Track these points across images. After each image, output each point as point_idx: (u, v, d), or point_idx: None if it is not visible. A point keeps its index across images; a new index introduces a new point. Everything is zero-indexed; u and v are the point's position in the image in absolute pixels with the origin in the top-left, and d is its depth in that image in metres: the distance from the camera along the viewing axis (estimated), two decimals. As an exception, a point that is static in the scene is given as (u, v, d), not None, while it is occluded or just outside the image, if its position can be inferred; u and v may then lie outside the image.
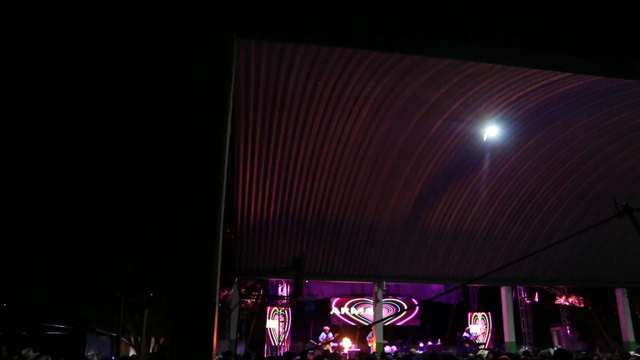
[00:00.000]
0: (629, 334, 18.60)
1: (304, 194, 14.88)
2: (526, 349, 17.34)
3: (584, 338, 23.52)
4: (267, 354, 18.95)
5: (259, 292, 22.22)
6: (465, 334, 20.87)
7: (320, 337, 18.99)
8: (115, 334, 16.52)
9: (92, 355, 13.79)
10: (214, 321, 5.00)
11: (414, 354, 13.73)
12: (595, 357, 10.55)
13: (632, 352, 11.71)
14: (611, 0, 5.85)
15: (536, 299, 23.83)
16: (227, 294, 18.30)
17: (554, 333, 24.26)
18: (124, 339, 17.76)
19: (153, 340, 18.21)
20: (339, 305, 23.42)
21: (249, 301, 21.83)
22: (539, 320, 24.07)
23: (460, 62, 10.26)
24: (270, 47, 9.74)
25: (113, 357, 18.98)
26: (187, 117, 5.52)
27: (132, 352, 17.39)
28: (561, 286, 21.87)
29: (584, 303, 21.88)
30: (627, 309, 18.94)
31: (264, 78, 10.93)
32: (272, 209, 15.12)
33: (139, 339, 15.99)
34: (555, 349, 12.21)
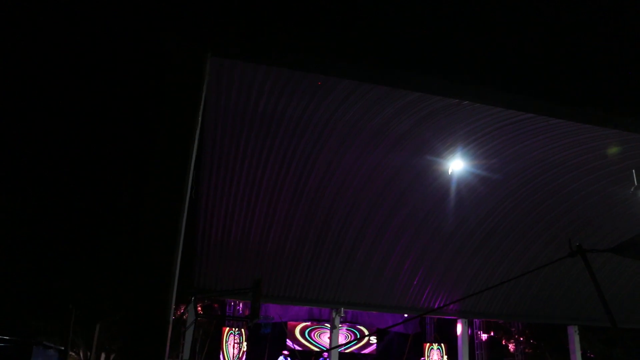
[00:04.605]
0: (579, 372, 18.96)
1: (266, 217, 14.78)
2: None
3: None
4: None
5: (216, 312, 21.88)
6: (420, 365, 20.92)
7: (279, 360, 18.79)
8: (63, 348, 15.97)
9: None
10: (167, 339, 4.90)
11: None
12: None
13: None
14: (577, 50, 6.08)
15: (492, 334, 24.11)
16: (183, 312, 17.96)
17: (507, 367, 24.52)
18: (72, 354, 17.20)
19: (103, 356, 17.70)
20: (295, 330, 23.22)
21: (205, 320, 21.45)
22: (493, 354, 24.31)
23: (429, 96, 10.44)
24: (243, 67, 9.76)
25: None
26: (154, 132, 5.46)
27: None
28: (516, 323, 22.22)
29: (536, 340, 22.23)
30: (578, 346, 19.34)
31: (234, 97, 10.92)
32: (233, 229, 14.97)
33: (89, 354, 15.52)
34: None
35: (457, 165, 13.14)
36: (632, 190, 9.39)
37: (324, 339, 22.67)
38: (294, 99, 11.02)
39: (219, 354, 19.57)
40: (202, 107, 5.82)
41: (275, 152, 12.94)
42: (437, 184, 14.26)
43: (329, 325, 19.08)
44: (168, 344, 4.91)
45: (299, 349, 22.68)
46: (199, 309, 20.17)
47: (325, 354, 19.11)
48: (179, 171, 5.38)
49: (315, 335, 23.20)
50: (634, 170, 9.53)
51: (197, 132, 5.70)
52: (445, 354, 22.79)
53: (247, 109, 11.33)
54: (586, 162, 13.25)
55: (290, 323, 23.26)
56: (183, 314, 17.82)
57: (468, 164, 13.16)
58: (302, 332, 23.22)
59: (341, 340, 19.69)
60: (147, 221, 5.21)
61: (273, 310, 22.17)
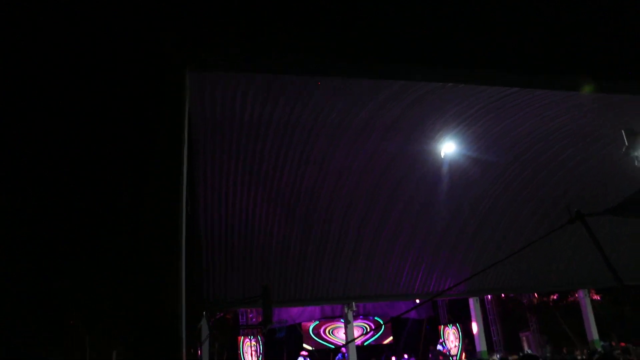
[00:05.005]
0: (593, 333, 19.14)
1: (266, 222, 14.85)
2: (499, 356, 17.61)
3: (551, 341, 24.01)
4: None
5: (228, 323, 21.93)
6: (439, 347, 21.04)
7: (298, 362, 18.87)
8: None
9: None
10: (182, 356, 4.92)
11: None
12: (559, 357, 10.81)
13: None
14: (557, 21, 6.16)
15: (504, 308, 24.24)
16: (197, 327, 17.99)
17: (523, 338, 24.67)
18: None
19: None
20: (310, 330, 23.30)
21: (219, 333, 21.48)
22: (507, 328, 24.48)
23: (413, 83, 10.50)
24: (224, 78, 9.81)
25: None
26: (143, 146, 5.50)
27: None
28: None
29: (548, 307, 22.41)
30: (590, 309, 19.51)
31: (219, 108, 10.96)
32: (236, 239, 15.02)
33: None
34: (522, 354, 12.45)
35: (448, 148, 13.22)
36: (623, 150, 9.47)
37: (340, 335, 22.75)
38: (279, 103, 11.08)
39: (238, 364, 19.67)
40: (186, 120, 5.86)
41: (267, 157, 13.00)
42: (431, 170, 14.35)
43: (342, 321, 19.18)
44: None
45: (318, 346, 22.77)
46: (212, 322, 20.22)
47: (344, 349, 19.19)
48: (172, 185, 5.41)
49: (330, 332, 23.29)
50: (623, 131, 9.63)
51: (185, 146, 5.74)
52: (462, 334, 22.95)
53: (234, 118, 11.38)
54: (576, 129, 13.37)
55: (304, 324, 23.34)
56: (196, 328, 17.84)
57: (459, 146, 13.25)
58: (317, 331, 23.30)
59: (357, 334, 19.77)
60: (146, 241, 5.24)
61: (286, 314, 22.26)
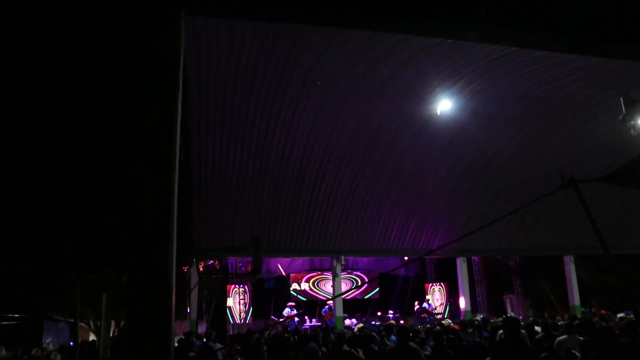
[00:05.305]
0: (575, 298, 19.53)
1: (259, 172, 14.81)
2: (481, 316, 17.93)
3: (534, 304, 24.46)
4: (229, 332, 19.00)
5: (218, 271, 22.16)
6: (424, 304, 21.41)
7: (285, 312, 19.15)
8: (72, 320, 16.20)
9: (49, 343, 13.55)
10: (172, 302, 4.95)
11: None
12: (540, 321, 11.00)
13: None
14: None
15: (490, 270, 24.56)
16: (186, 273, 18.19)
17: (507, 301, 25.14)
18: (83, 324, 17.48)
19: (113, 323, 17.98)
20: (299, 281, 23.60)
21: (209, 280, 21.75)
22: (492, 290, 24.89)
23: (410, 37, 10.26)
24: (219, 24, 9.56)
25: (72, 343, 18.68)
26: (138, 97, 5.39)
27: (92, 337, 17.17)
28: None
29: (533, 272, 22.73)
30: (574, 275, 19.84)
31: (214, 56, 10.72)
32: (228, 187, 15.02)
33: (99, 323, 15.78)
34: (505, 316, 12.66)
35: (445, 105, 13.03)
36: (620, 117, 9.35)
37: (327, 288, 23.09)
38: (274, 53, 10.85)
39: (226, 311, 19.97)
40: (181, 68, 5.73)
41: (262, 107, 12.82)
42: (426, 128, 14.22)
43: (330, 275, 19.40)
44: (173, 306, 4.97)
45: (305, 298, 23.13)
46: (202, 269, 20.44)
47: (330, 302, 19.48)
48: (166, 135, 5.34)
49: (318, 284, 23.61)
50: (621, 98, 9.48)
51: (180, 93, 5.63)
52: (447, 293, 23.34)
53: (229, 67, 11.15)
54: (574, 92, 13.20)
55: (293, 275, 23.64)
56: (186, 275, 18.04)
57: (456, 104, 13.06)
58: (305, 283, 23.62)
59: (344, 287, 20.04)
60: (140, 187, 5.19)
61: (275, 264, 22.50)
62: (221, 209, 15.55)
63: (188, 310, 17.11)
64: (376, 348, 9.38)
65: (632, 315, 9.69)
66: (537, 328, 9.77)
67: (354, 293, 23.56)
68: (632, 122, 9.46)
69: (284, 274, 23.51)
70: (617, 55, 8.60)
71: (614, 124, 12.15)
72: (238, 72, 11.37)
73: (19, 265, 14.40)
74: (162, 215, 5.13)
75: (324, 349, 9.62)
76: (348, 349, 8.41)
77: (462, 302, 19.63)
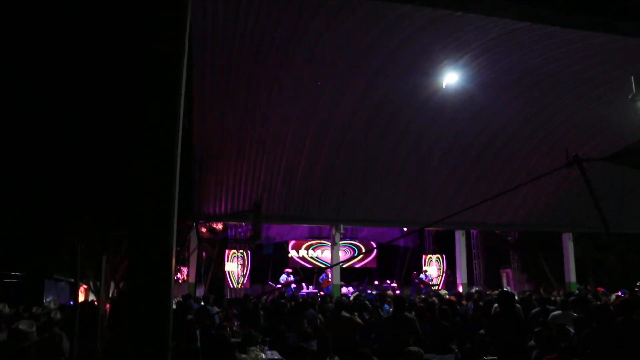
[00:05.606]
0: (571, 276, 19.68)
1: (259, 137, 14.75)
2: (476, 289, 18.09)
3: (530, 279, 24.63)
4: (227, 296, 19.19)
5: (217, 235, 22.27)
6: (421, 275, 21.55)
7: (281, 278, 19.27)
8: (73, 280, 16.37)
9: (50, 302, 13.71)
10: (171, 265, 4.97)
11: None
12: (535, 297, 11.11)
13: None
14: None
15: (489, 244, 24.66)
16: (186, 237, 18.28)
17: (504, 275, 25.29)
18: (83, 285, 17.62)
19: (112, 284, 18.13)
20: (297, 248, 23.71)
21: (208, 245, 21.90)
22: (489, 263, 25.01)
23: (416, 9, 10.11)
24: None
25: (72, 303, 18.95)
26: (142, 65, 5.32)
27: (91, 297, 17.32)
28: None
29: (532, 248, 22.82)
30: (571, 253, 19.95)
31: (221, 21, 10.59)
32: (228, 153, 14.98)
33: (98, 284, 15.92)
34: (500, 290, 12.78)
35: (450, 79, 12.92)
36: (630, 97, 9.23)
37: (326, 256, 23.18)
38: (281, 23, 10.71)
39: (224, 275, 20.13)
40: (187, 31, 5.64)
41: (266, 74, 12.72)
42: (432, 99, 14.12)
43: (329, 243, 19.50)
44: (173, 269, 5.00)
45: (308, 265, 23.28)
46: (203, 231, 20.55)
47: (328, 270, 19.62)
48: (169, 99, 5.28)
49: (316, 252, 23.72)
50: (632, 77, 9.35)
51: (185, 56, 5.56)
52: (444, 265, 23.47)
53: (235, 32, 11.02)
54: (582, 70, 13.04)
55: (292, 242, 23.72)
56: (186, 239, 18.14)
57: (462, 78, 12.95)
58: (303, 250, 23.73)
59: (342, 256, 20.15)
60: (143, 151, 5.16)
61: (274, 231, 22.57)
62: (221, 175, 15.55)
63: (186, 274, 17.29)
64: (367, 316, 9.50)
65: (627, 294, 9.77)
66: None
67: (352, 262, 23.69)
68: (641, 102, 9.37)
69: (282, 240, 23.60)
70: (627, 33, 8.44)
71: (621, 104, 12.03)
72: (244, 36, 11.22)
73: (21, 223, 14.45)
74: (163, 178, 5.12)
75: (320, 316, 9.73)
76: (347, 315, 8.54)
77: (459, 275, 19.78)
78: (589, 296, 11.20)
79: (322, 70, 12.72)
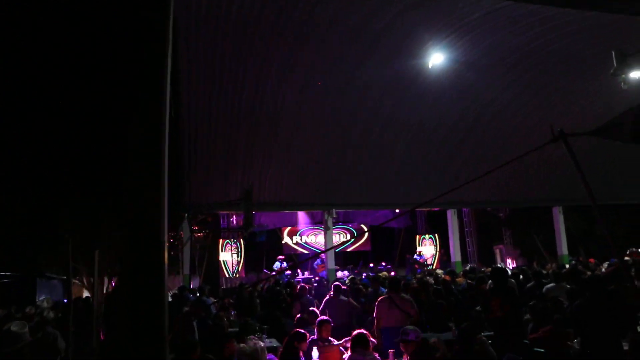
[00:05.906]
0: (563, 248, 19.93)
1: (250, 124, 14.64)
2: (470, 266, 18.25)
3: (523, 255, 24.88)
4: (222, 286, 19.22)
5: (210, 226, 22.24)
6: (415, 256, 21.69)
7: (275, 266, 19.30)
8: (65, 277, 16.32)
9: (43, 301, 13.66)
10: (164, 258, 4.97)
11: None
12: (529, 272, 11.25)
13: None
14: None
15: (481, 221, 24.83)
16: (178, 230, 18.24)
17: (497, 251, 25.51)
18: (76, 281, 17.58)
19: (106, 280, 18.11)
20: (291, 235, 23.74)
21: (200, 235, 21.89)
22: (482, 240, 25.21)
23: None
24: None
25: (65, 300, 18.89)
26: (127, 53, 5.28)
27: (85, 294, 17.28)
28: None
29: (523, 223, 23.03)
30: (562, 226, 20.18)
31: (205, 3, 10.48)
32: (219, 141, 14.88)
33: (92, 279, 15.87)
34: (494, 266, 12.90)
35: (436, 59, 12.92)
36: (611, 71, 9.29)
37: (319, 241, 23.22)
38: (269, 1, 10.62)
39: (219, 265, 20.12)
40: (171, 15, 5.58)
41: (254, 57, 12.56)
42: (416, 81, 14.09)
43: (322, 227, 19.55)
44: (166, 262, 5.00)
45: (303, 251, 23.34)
46: (195, 226, 20.52)
47: (323, 255, 19.67)
48: (155, 88, 5.24)
49: (310, 237, 23.76)
50: (613, 52, 9.40)
51: (170, 43, 5.51)
52: (438, 244, 23.60)
53: (220, 15, 10.88)
54: (566, 47, 13.07)
55: (285, 229, 23.74)
56: (178, 231, 18.10)
57: (447, 57, 12.95)
58: (297, 236, 23.77)
59: (335, 240, 20.21)
60: (130, 141, 5.13)
61: (267, 218, 22.57)
62: (211, 164, 15.46)
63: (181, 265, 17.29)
64: (363, 300, 9.60)
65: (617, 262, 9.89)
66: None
67: (346, 246, 23.77)
68: (623, 76, 9.44)
69: (275, 227, 23.60)
70: (610, 9, 8.48)
71: (605, 79, 12.09)
72: (229, 18, 11.06)
73: (11, 223, 14.35)
74: (153, 170, 5.10)
75: (316, 301, 9.82)
76: (345, 298, 8.63)
77: (453, 253, 19.93)
78: (579, 267, 11.36)
79: (310, 53, 12.62)
